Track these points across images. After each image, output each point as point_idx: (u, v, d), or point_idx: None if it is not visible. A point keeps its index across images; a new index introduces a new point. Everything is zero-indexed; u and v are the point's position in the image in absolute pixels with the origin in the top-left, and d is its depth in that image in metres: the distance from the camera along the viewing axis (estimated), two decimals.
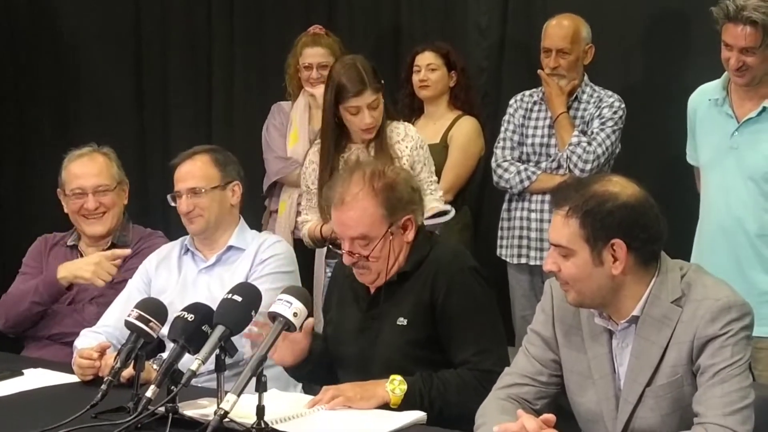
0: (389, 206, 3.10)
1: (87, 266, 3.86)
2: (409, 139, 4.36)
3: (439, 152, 4.88)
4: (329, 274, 4.50)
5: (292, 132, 5.13)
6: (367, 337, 3.19)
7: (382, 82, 4.33)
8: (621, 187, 2.61)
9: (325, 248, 4.54)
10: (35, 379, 3.32)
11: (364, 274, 3.17)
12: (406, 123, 4.51)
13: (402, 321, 3.13)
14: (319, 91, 4.87)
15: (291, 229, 4.99)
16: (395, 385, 2.95)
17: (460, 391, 3.00)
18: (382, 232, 3.10)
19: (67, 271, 3.89)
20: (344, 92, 4.25)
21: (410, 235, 3.16)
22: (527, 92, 4.90)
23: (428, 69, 5.05)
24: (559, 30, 4.73)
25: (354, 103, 4.24)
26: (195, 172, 3.66)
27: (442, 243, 3.32)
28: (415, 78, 5.06)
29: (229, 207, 3.72)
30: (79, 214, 4.03)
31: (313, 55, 5.08)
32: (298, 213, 4.99)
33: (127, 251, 3.93)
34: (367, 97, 4.23)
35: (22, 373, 3.36)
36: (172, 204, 3.69)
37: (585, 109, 4.75)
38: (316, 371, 3.29)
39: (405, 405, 2.94)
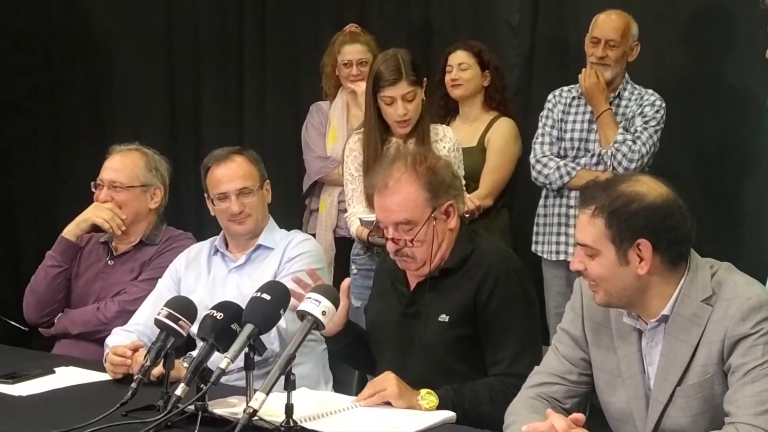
0: (432, 189, 3.10)
1: (100, 210, 3.93)
2: (447, 140, 4.32)
3: (477, 155, 4.83)
4: (355, 271, 4.49)
5: (331, 131, 5.14)
6: (407, 332, 3.18)
7: (425, 79, 4.28)
8: (648, 188, 2.59)
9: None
10: (66, 377, 3.34)
11: (407, 261, 3.16)
12: (444, 125, 4.47)
13: (444, 318, 3.12)
14: (361, 88, 4.87)
15: (333, 227, 4.99)
16: (428, 399, 2.92)
17: (493, 400, 2.98)
18: (425, 216, 3.10)
19: (77, 222, 3.96)
20: (380, 81, 4.20)
21: (452, 222, 3.16)
22: (565, 88, 4.88)
23: (460, 68, 4.97)
24: (611, 22, 4.71)
25: (389, 93, 4.18)
26: (239, 172, 3.63)
27: (486, 241, 3.31)
28: (447, 77, 4.98)
29: (266, 206, 3.73)
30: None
31: (352, 52, 5.09)
32: (342, 210, 4.96)
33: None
34: (401, 87, 4.17)
35: (53, 371, 3.38)
36: (217, 206, 3.65)
37: (627, 107, 4.72)
38: (353, 355, 3.33)
39: None
